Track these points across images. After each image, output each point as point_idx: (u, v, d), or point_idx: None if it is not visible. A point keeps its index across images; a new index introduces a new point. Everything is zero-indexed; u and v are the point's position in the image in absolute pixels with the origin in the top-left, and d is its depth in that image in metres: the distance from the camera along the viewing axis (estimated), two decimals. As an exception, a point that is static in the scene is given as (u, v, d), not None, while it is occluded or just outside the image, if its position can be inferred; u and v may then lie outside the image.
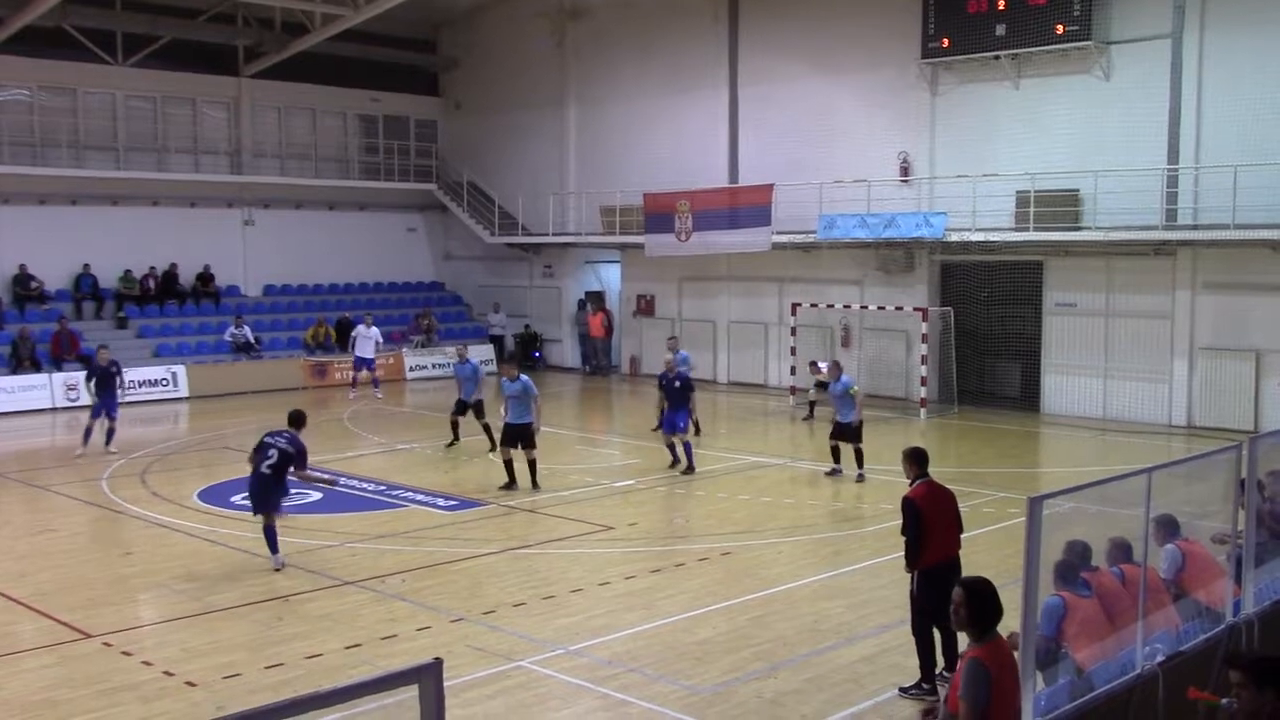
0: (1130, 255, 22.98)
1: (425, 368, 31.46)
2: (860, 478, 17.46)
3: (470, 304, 36.40)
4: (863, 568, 12.82)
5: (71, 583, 12.30)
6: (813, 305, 26.90)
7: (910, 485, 9.37)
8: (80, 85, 30.33)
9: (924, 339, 24.60)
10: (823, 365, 22.59)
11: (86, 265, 29.58)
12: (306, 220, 33.78)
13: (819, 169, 26.62)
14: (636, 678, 9.50)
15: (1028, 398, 24.91)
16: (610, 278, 34.12)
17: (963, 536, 9.36)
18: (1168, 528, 8.07)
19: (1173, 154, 22.31)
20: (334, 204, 34.41)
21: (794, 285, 28.18)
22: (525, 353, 33.30)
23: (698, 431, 20.51)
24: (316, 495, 15.94)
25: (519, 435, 16.72)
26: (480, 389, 20.30)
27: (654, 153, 30.80)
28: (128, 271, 30.13)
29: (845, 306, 26.67)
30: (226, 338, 29.54)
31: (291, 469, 12.89)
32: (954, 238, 24.47)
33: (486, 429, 19.63)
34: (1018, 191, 23.77)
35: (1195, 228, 22.00)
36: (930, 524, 9.02)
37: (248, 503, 13.17)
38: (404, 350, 31.73)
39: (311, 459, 13.53)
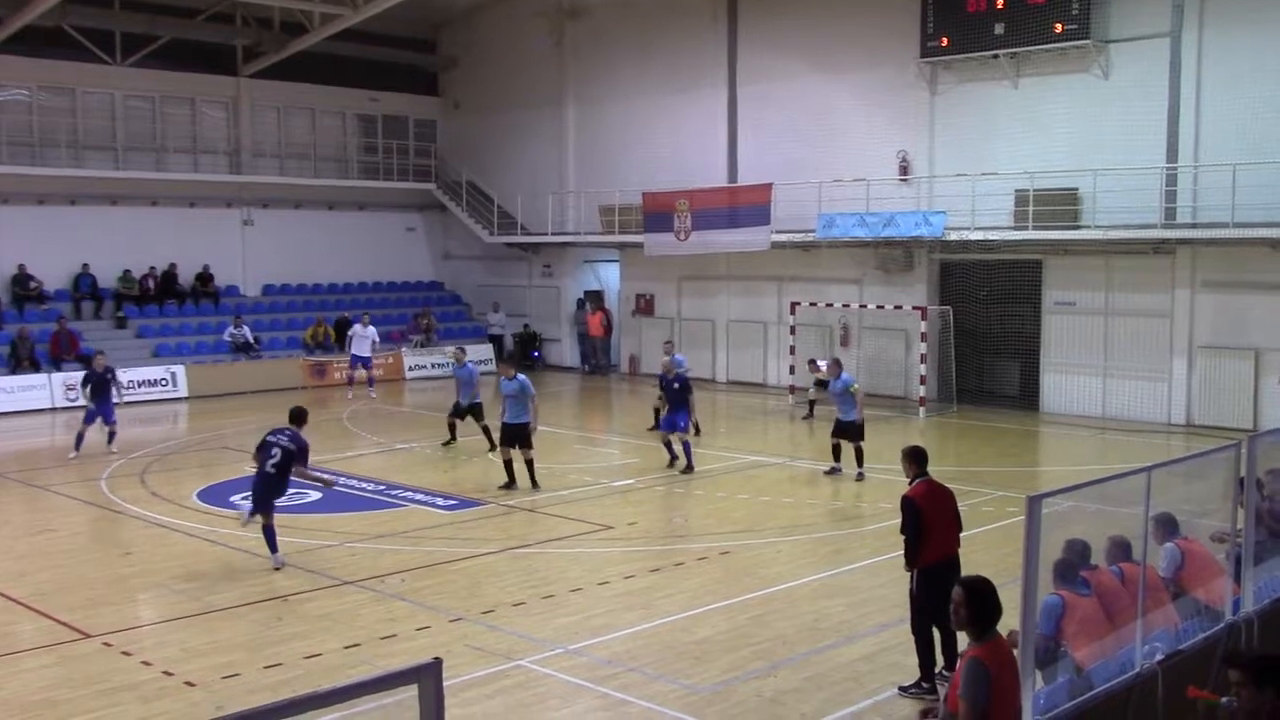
0: (1129, 254, 22.99)
1: (424, 367, 31.46)
2: (860, 476, 17.46)
3: (469, 303, 36.40)
4: (862, 566, 12.82)
5: (71, 583, 12.30)
6: (812, 304, 26.91)
7: (909, 484, 9.37)
8: (79, 85, 30.32)
9: (923, 338, 24.60)
10: (822, 364, 22.59)
11: (86, 265, 29.58)
12: (305, 220, 33.77)
13: (818, 168, 26.62)
14: (636, 677, 9.50)
15: (1027, 396, 24.92)
16: (609, 277, 34.12)
17: (962, 535, 9.36)
18: (1167, 526, 8.07)
19: (1172, 153, 22.31)
20: (333, 204, 34.41)
21: (793, 284, 28.18)
22: (524, 352, 33.30)
23: (698, 432, 20.52)
24: (316, 495, 15.94)
25: (517, 435, 16.72)
26: (478, 392, 20.28)
27: (653, 152, 30.80)
28: (127, 271, 30.13)
29: (844, 306, 26.68)
30: (226, 338, 29.54)
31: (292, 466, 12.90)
32: (953, 237, 24.48)
33: (485, 431, 19.63)
34: (1017, 190, 23.78)
35: (1194, 226, 22.00)
36: (929, 523, 9.02)
37: (247, 502, 13.16)
38: (403, 350, 31.74)
39: (311, 459, 13.52)
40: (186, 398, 27.36)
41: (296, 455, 12.86)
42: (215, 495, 16.42)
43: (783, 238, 26.80)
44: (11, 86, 29.45)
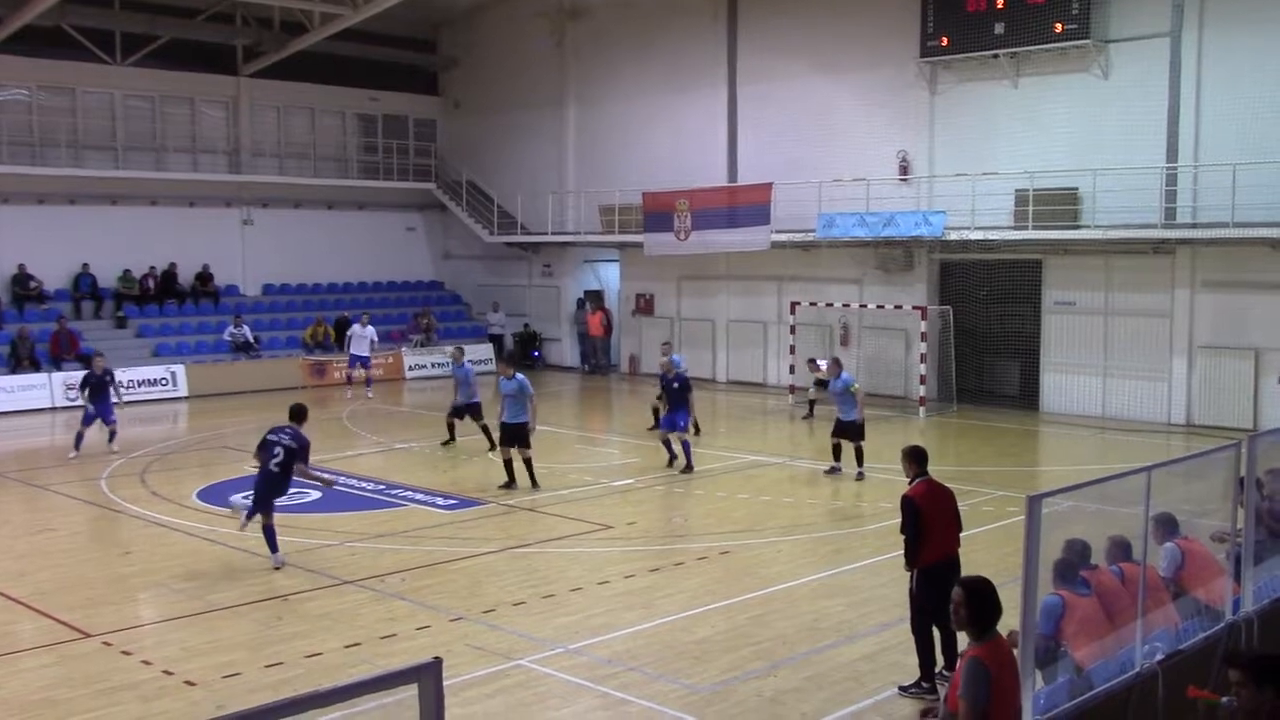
0: (1129, 254, 22.99)
1: (425, 367, 31.46)
2: (860, 476, 17.46)
3: (469, 303, 36.40)
4: (862, 566, 12.82)
5: (71, 582, 12.30)
6: (812, 304, 26.91)
7: (909, 484, 9.36)
8: (79, 85, 30.32)
9: (923, 337, 24.60)
10: (821, 363, 22.60)
11: (85, 265, 29.58)
12: (305, 219, 33.77)
13: (818, 168, 26.61)
14: (636, 676, 9.50)
15: (1027, 396, 24.92)
16: (609, 277, 34.12)
17: (962, 535, 9.36)
18: (1167, 526, 8.07)
19: (1171, 152, 22.31)
20: (333, 203, 34.40)
21: (793, 284, 28.18)
22: (524, 352, 33.31)
23: (697, 431, 20.53)
24: (316, 495, 15.94)
25: (516, 435, 16.73)
26: (475, 391, 20.27)
27: (653, 152, 30.80)
28: (127, 271, 30.13)
29: (844, 305, 26.67)
30: (225, 337, 29.54)
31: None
32: (953, 236, 24.48)
33: (484, 430, 19.63)
34: (1017, 190, 23.78)
35: (1194, 226, 22.00)
36: (929, 522, 9.02)
37: (246, 501, 13.16)
38: (403, 349, 31.74)
39: (311, 458, 13.50)
40: (186, 397, 27.37)
41: (298, 453, 12.86)
42: (215, 495, 16.41)
43: (783, 237, 26.81)
44: (11, 86, 29.45)
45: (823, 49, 27.54)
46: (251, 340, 29.67)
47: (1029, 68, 24.23)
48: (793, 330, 27.03)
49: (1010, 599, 6.15)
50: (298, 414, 13.30)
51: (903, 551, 9.19)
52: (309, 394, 27.18)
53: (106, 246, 29.68)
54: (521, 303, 34.99)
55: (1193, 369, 22.42)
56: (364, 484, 17.20)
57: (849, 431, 17.72)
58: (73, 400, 24.93)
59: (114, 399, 20.01)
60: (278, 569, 12.56)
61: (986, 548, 12.62)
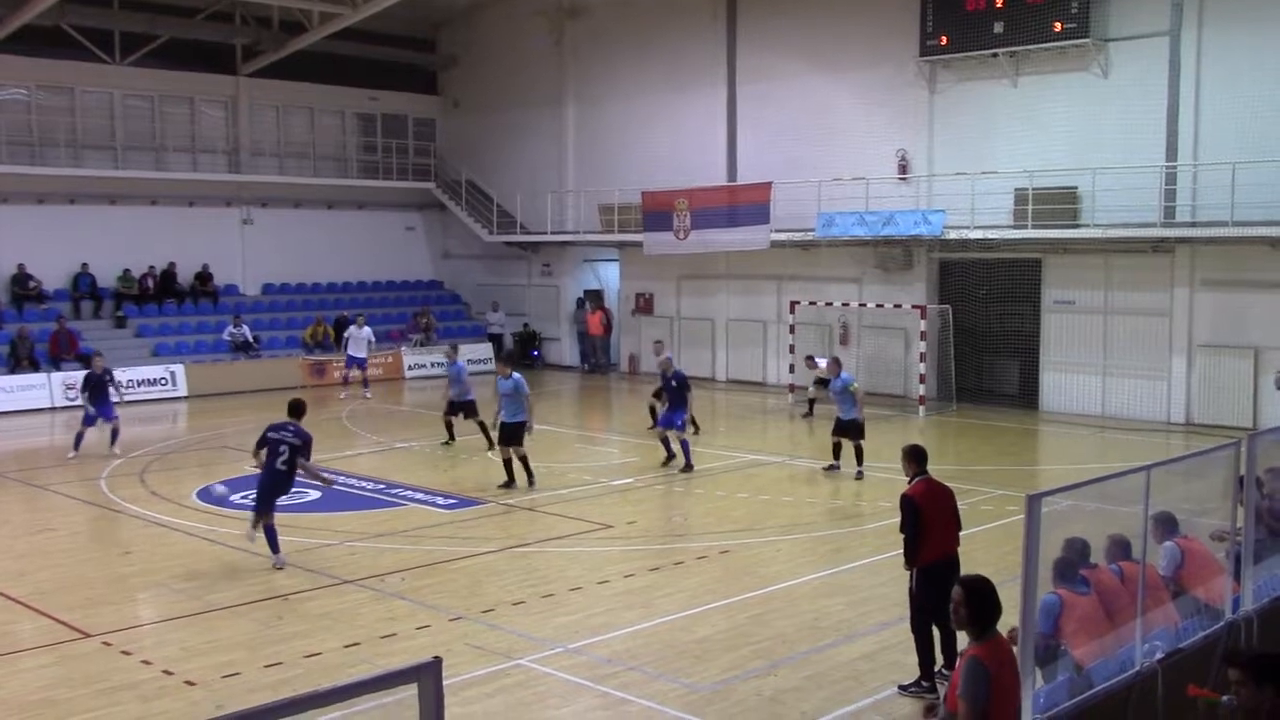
0: (1128, 252, 22.99)
1: (424, 366, 31.45)
2: (860, 475, 17.47)
3: (469, 303, 36.40)
4: (862, 565, 12.82)
5: (70, 582, 12.30)
6: (811, 303, 26.91)
7: (909, 483, 9.36)
8: (78, 84, 30.31)
9: (923, 337, 24.60)
10: (820, 360, 22.59)
11: (85, 264, 29.57)
12: (305, 219, 33.77)
13: (817, 167, 26.61)
14: (636, 676, 9.50)
15: (1026, 395, 24.92)
16: (609, 276, 34.12)
17: (961, 534, 9.36)
18: (1166, 525, 8.07)
19: (1171, 151, 22.31)
20: (332, 203, 34.40)
21: (792, 283, 28.18)
22: (524, 351, 33.32)
23: (696, 430, 20.53)
24: (315, 494, 15.93)
25: (513, 434, 16.74)
26: (468, 389, 20.28)
27: (652, 151, 30.80)
28: (126, 271, 30.12)
29: (844, 304, 26.67)
30: (225, 337, 29.54)
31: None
32: (952, 235, 24.47)
33: (482, 427, 19.65)
34: (1016, 189, 23.78)
35: (1193, 225, 22.00)
36: (929, 521, 9.02)
37: (247, 501, 13.13)
38: (403, 349, 31.74)
39: (311, 458, 13.49)
40: (186, 397, 27.36)
41: (301, 449, 12.85)
42: (215, 494, 16.37)
43: (782, 237, 26.80)
44: (10, 86, 29.44)
45: (822, 48, 27.54)
46: (251, 340, 29.67)
47: (1028, 67, 24.23)
48: (792, 329, 27.03)
49: (1010, 598, 6.15)
50: (297, 409, 13.26)
51: (902, 550, 9.19)
52: (309, 394, 27.09)
53: (106, 246, 29.68)
54: (521, 302, 34.99)
55: (1192, 368, 22.42)
56: (364, 483, 17.20)
57: (849, 430, 17.73)
58: (72, 400, 24.94)
59: (114, 398, 20.00)
60: (279, 569, 12.56)
61: (986, 547, 12.62)
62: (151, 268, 30.51)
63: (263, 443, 12.94)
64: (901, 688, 9.10)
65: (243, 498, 13.28)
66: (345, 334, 28.33)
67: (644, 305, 32.04)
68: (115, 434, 19.92)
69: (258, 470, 13.10)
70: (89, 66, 30.01)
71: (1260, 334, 21.55)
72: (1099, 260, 23.46)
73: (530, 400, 16.98)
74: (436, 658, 4.03)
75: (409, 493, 16.64)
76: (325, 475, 14.11)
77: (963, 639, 6.16)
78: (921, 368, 24.60)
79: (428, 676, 3.96)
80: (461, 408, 20.13)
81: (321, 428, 21.66)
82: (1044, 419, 23.74)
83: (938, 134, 25.69)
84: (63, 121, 30.00)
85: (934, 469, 9.60)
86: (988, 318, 25.72)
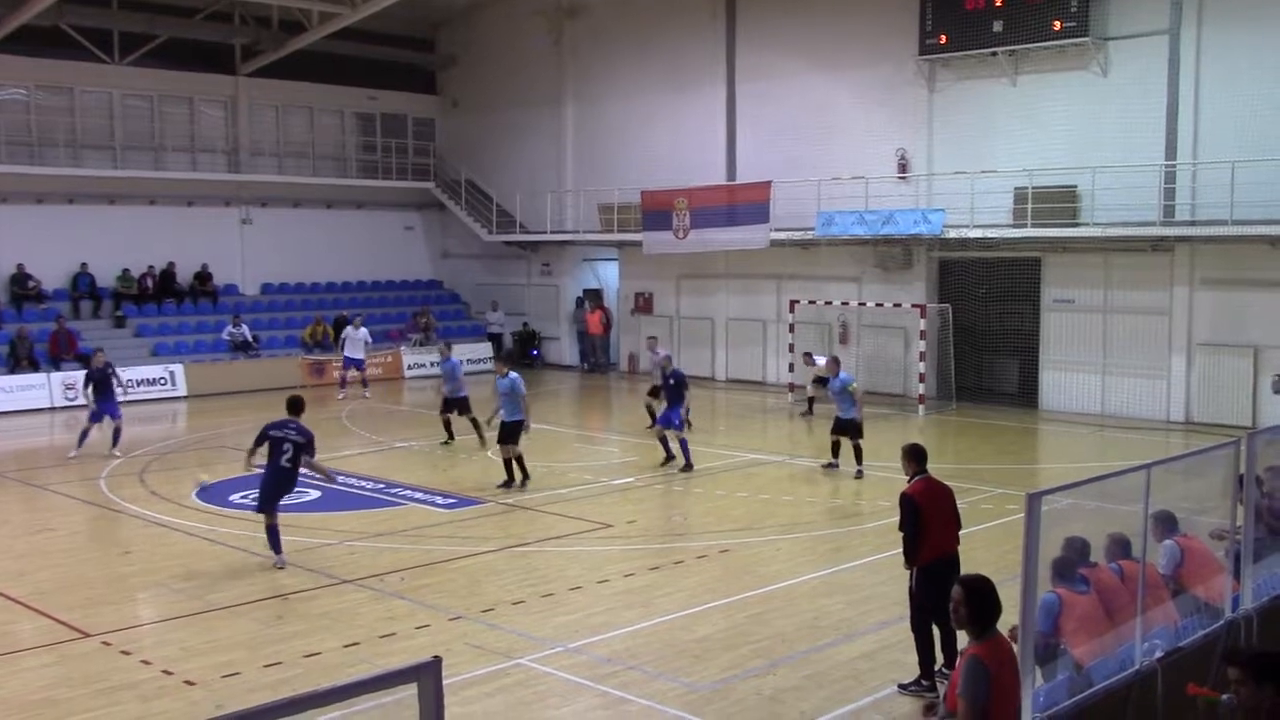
0: (1128, 251, 22.99)
1: (423, 366, 31.43)
2: (859, 474, 17.47)
3: (468, 302, 36.40)
4: (862, 564, 12.82)
5: (70, 582, 12.29)
6: (811, 302, 26.91)
7: (909, 482, 9.36)
8: (77, 84, 30.30)
9: (922, 336, 24.60)
10: (818, 358, 22.58)
11: (84, 264, 29.56)
12: (304, 219, 33.76)
13: (817, 166, 26.61)
14: (636, 675, 9.50)
15: (1026, 394, 24.92)
16: (608, 275, 34.11)
17: (961, 533, 9.35)
18: (1166, 524, 8.07)
19: (1170, 150, 22.30)
20: (331, 202, 34.39)
21: (792, 282, 28.18)
22: (523, 351, 33.32)
23: (689, 426, 20.49)
24: (315, 494, 15.93)
25: (510, 433, 16.75)
26: (461, 385, 20.29)
27: (652, 150, 30.79)
28: (125, 270, 30.12)
29: (843, 303, 26.67)
30: (224, 336, 29.53)
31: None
32: (952, 234, 24.47)
33: (474, 423, 19.68)
34: (1015, 188, 23.78)
35: (1193, 224, 22.00)
36: (929, 520, 9.02)
37: (246, 501, 13.12)
38: (402, 349, 31.73)
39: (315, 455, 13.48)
40: (185, 397, 27.36)
41: (305, 446, 12.85)
42: (214, 494, 16.37)
43: (781, 236, 26.81)
44: (9, 86, 29.43)
45: (821, 47, 27.53)
46: (250, 340, 29.66)
47: (1028, 65, 24.23)
48: (792, 329, 27.02)
49: (1010, 597, 6.15)
50: (297, 406, 13.23)
51: (902, 549, 9.19)
52: (308, 393, 27.09)
53: (105, 246, 29.67)
54: (520, 301, 34.99)
55: (1192, 366, 22.42)
56: (363, 483, 17.20)
57: (848, 429, 17.74)
58: (72, 400, 24.97)
59: (118, 392, 19.98)
60: (280, 569, 12.55)
61: (986, 545, 12.62)
62: (151, 267, 30.50)
63: (262, 441, 12.92)
64: (901, 687, 9.10)
65: (241, 497, 13.26)
66: (342, 335, 28.32)
67: (643, 305, 32.04)
68: (118, 434, 19.86)
69: (257, 471, 13.08)
70: (88, 66, 29.99)
71: (1260, 333, 21.55)
72: (1098, 259, 23.46)
73: (526, 400, 16.98)
74: (436, 657, 4.03)
75: (408, 492, 16.64)
76: (329, 472, 14.11)
77: (963, 638, 6.16)
78: (921, 367, 24.60)
79: (427, 676, 3.96)
80: (455, 404, 20.17)
81: (321, 427, 21.55)
82: (1043, 418, 23.74)
83: (937, 133, 25.69)
84: (62, 121, 29.99)
85: (933, 468, 9.60)
86: (987, 317, 25.72)
